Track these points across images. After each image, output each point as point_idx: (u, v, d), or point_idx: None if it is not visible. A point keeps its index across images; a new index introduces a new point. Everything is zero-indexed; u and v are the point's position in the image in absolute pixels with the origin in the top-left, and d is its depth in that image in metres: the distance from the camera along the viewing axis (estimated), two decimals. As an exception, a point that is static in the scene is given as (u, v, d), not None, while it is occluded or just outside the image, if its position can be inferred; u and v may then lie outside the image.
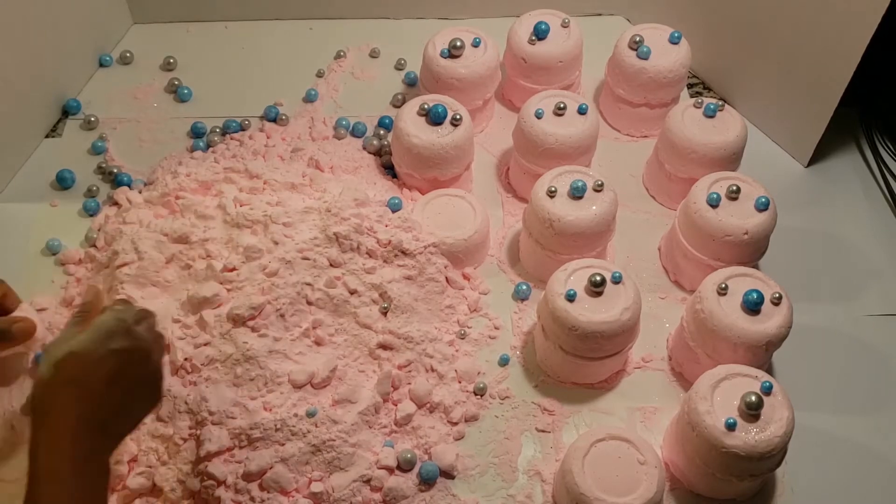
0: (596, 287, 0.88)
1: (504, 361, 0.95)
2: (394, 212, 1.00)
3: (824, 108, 1.08)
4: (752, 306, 0.87)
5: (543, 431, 0.91)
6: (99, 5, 1.24)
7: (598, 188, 0.96)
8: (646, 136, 1.17)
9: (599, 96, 1.21)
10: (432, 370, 0.92)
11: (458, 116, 1.03)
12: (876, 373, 0.97)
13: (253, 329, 0.88)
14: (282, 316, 0.89)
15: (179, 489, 0.83)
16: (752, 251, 0.96)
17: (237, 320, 0.88)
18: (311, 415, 0.85)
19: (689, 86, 1.23)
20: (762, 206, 0.95)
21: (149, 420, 0.86)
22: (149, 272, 0.93)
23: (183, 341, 0.89)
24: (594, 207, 0.95)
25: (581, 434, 0.84)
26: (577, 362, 0.90)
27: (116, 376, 0.70)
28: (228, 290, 0.91)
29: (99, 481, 0.68)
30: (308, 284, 0.91)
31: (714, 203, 0.95)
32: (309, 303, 0.91)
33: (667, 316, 0.99)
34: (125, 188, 1.07)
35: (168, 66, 1.24)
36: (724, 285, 0.89)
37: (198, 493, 0.82)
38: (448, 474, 0.87)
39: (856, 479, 0.90)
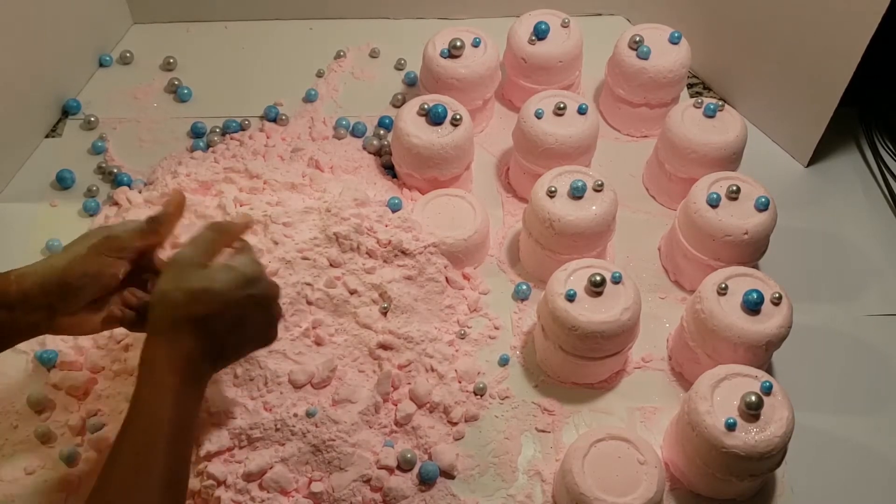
0: (596, 287, 0.88)
1: (504, 361, 0.95)
2: (394, 212, 1.00)
3: (824, 108, 1.08)
4: (752, 306, 0.87)
5: (543, 431, 0.90)
6: (99, 5, 1.24)
7: (598, 188, 0.96)
8: (646, 136, 1.17)
9: (599, 96, 1.21)
10: (432, 370, 0.92)
11: (458, 116, 1.03)
12: (876, 373, 0.97)
13: (253, 329, 0.88)
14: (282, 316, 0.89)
15: (179, 489, 0.83)
16: (752, 251, 0.96)
17: (237, 320, 0.88)
18: (310, 415, 0.85)
19: (689, 86, 1.23)
20: (762, 206, 0.95)
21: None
22: (149, 272, 0.93)
23: (183, 341, 0.89)
24: (594, 207, 0.95)
25: (581, 434, 0.84)
26: (577, 362, 0.90)
27: (243, 319, 0.73)
28: (228, 290, 0.91)
29: (196, 404, 0.71)
30: (308, 284, 0.91)
31: (714, 203, 0.95)
32: (309, 303, 0.91)
33: (667, 316, 0.99)
34: (125, 188, 1.07)
35: (168, 66, 1.24)
36: (724, 285, 0.88)
37: (198, 493, 0.82)
38: (448, 474, 0.87)
39: (856, 479, 0.90)
